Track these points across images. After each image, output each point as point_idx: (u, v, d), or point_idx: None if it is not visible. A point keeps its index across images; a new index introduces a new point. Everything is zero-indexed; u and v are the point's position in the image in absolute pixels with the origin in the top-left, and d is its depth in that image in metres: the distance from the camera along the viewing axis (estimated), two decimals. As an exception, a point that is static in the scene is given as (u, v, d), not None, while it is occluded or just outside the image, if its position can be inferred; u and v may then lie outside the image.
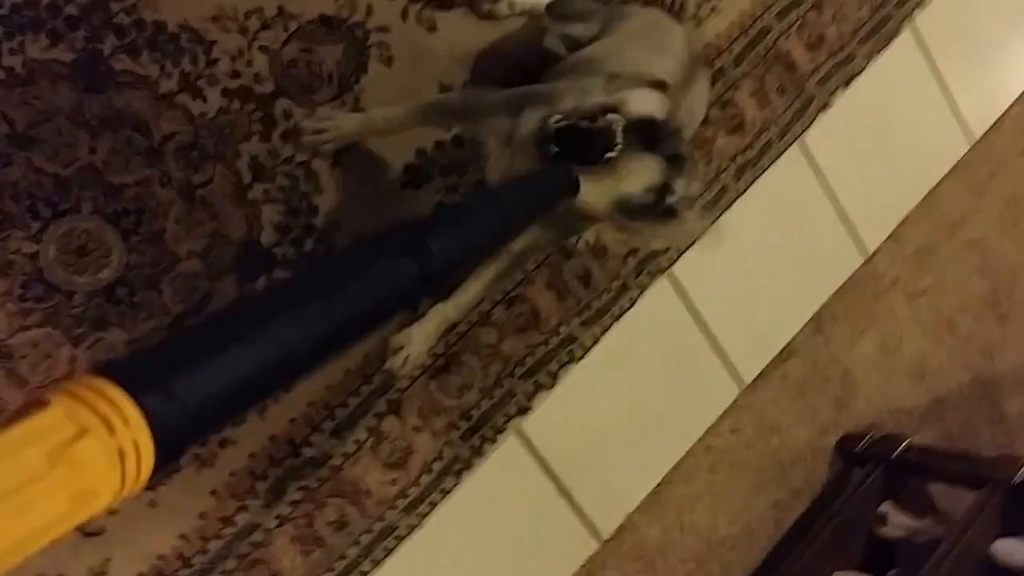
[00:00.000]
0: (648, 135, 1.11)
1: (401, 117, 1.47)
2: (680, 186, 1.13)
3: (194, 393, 0.62)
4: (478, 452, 1.63)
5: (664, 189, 1.12)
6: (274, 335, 0.72)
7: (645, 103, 1.15)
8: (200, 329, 0.83)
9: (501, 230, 1.04)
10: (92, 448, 0.50)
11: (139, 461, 0.53)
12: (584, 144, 1.10)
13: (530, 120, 1.19)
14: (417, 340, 1.44)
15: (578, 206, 1.11)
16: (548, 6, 1.59)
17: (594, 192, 1.11)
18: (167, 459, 0.57)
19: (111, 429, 0.52)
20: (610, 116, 1.10)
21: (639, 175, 1.11)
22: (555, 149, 1.10)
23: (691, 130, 1.57)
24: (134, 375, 0.58)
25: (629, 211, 1.14)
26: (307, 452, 1.49)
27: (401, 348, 1.44)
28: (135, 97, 1.37)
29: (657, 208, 1.14)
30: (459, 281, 1.39)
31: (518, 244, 1.35)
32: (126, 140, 1.36)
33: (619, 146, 1.08)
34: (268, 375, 0.72)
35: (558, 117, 1.12)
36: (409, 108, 1.47)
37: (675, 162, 1.13)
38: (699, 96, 1.54)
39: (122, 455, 0.52)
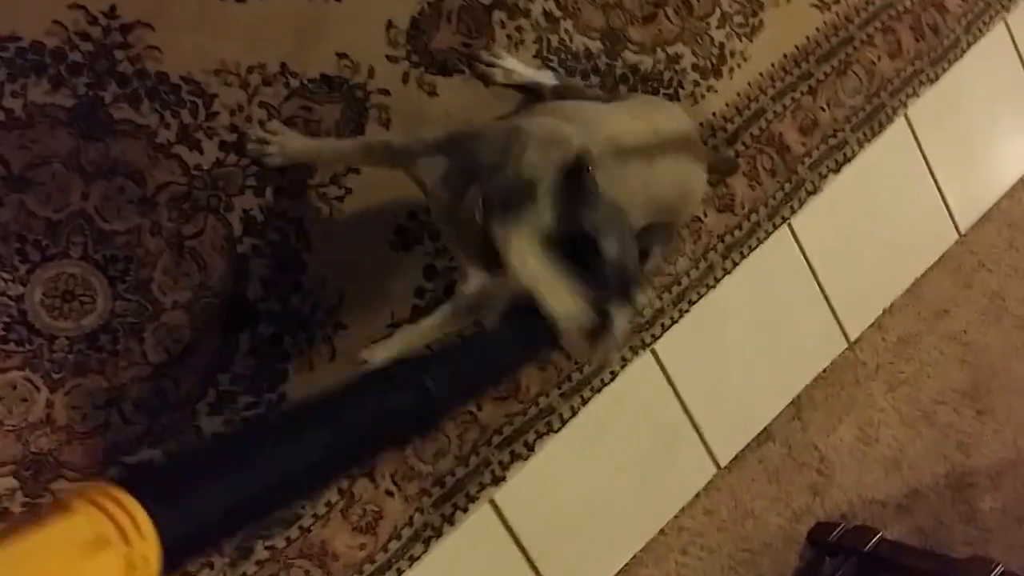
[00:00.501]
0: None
1: (347, 150, 1.55)
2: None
3: (202, 512, 0.68)
4: (449, 520, 1.66)
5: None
6: (278, 462, 0.79)
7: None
8: (211, 451, 0.90)
9: (496, 370, 1.09)
10: (109, 558, 0.54)
11: (147, 572, 0.57)
12: None
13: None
14: (377, 359, 1.54)
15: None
16: (554, 88, 1.67)
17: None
18: (170, 571, 0.61)
19: (127, 541, 0.56)
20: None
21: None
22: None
23: (681, 209, 1.60)
24: (152, 490, 0.63)
25: None
26: (277, 511, 1.52)
27: (364, 363, 1.54)
28: (132, 146, 1.42)
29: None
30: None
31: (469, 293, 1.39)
32: (120, 188, 1.41)
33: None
34: (269, 499, 0.79)
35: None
36: (356, 142, 1.55)
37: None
38: (693, 178, 1.58)
39: (132, 566, 0.55)
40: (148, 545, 0.57)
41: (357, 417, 0.87)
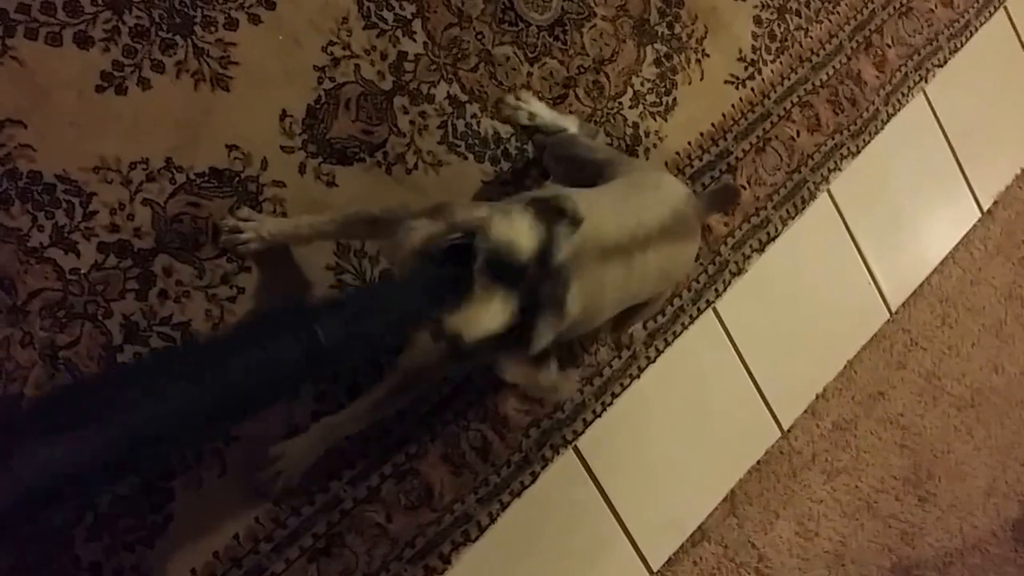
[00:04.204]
0: (506, 266, 1.14)
1: (325, 225, 1.57)
2: (544, 329, 1.17)
3: (35, 471, 0.69)
4: (360, 646, 1.65)
5: (525, 326, 1.16)
6: (147, 410, 0.80)
7: (512, 229, 1.18)
8: (69, 399, 0.89)
9: (394, 322, 1.10)
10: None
11: None
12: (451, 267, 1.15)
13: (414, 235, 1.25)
14: (294, 453, 1.57)
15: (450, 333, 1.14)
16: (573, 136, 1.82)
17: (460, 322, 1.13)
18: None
19: None
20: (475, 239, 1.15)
21: (489, 308, 1.13)
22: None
23: (662, 289, 1.71)
24: None
25: (493, 346, 1.16)
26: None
27: (276, 460, 1.56)
28: (1, 251, 1.41)
29: (517, 346, 1.18)
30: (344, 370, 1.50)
31: (407, 361, 1.48)
32: (-13, 297, 1.40)
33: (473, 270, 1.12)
34: (135, 450, 0.79)
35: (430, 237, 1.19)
36: (335, 216, 1.58)
37: (546, 304, 1.17)
38: (677, 260, 1.67)
39: None
40: None
41: (239, 362, 0.88)
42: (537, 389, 1.34)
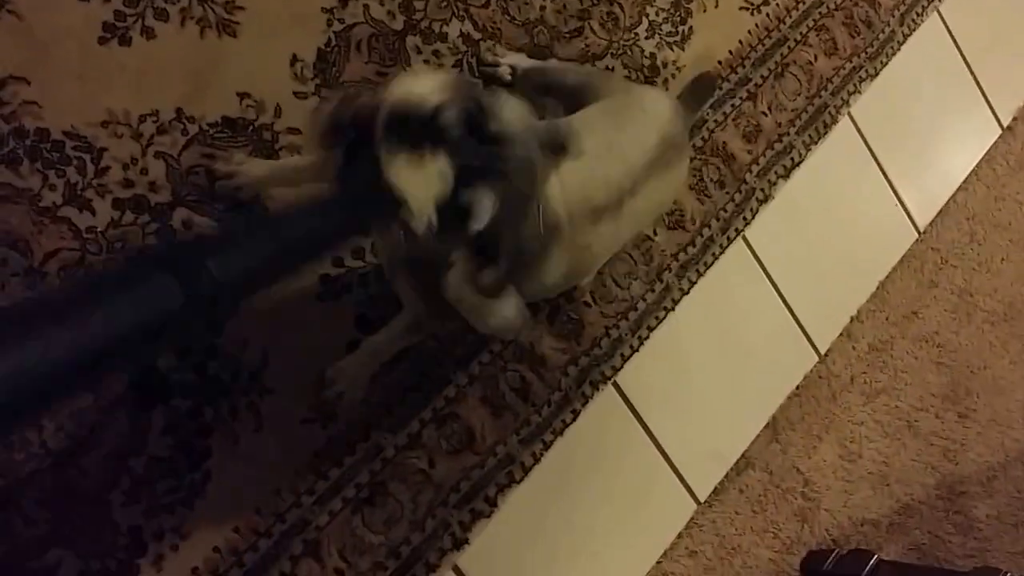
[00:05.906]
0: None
1: (311, 164, 1.41)
2: (481, 200, 1.02)
3: None
4: (409, 594, 1.51)
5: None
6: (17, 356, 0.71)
7: (415, 84, 1.03)
8: None
9: (296, 251, 0.98)
10: None
11: None
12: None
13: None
14: (349, 370, 1.47)
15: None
16: (525, 71, 1.66)
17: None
18: None
19: None
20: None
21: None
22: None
23: (650, 217, 1.62)
24: None
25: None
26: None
27: (336, 380, 1.46)
28: (13, 212, 1.28)
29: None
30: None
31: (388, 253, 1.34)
32: (2, 260, 1.27)
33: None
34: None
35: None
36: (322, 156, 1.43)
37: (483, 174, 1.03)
38: (670, 187, 1.54)
39: None
40: None
41: (114, 308, 0.77)
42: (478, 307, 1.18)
